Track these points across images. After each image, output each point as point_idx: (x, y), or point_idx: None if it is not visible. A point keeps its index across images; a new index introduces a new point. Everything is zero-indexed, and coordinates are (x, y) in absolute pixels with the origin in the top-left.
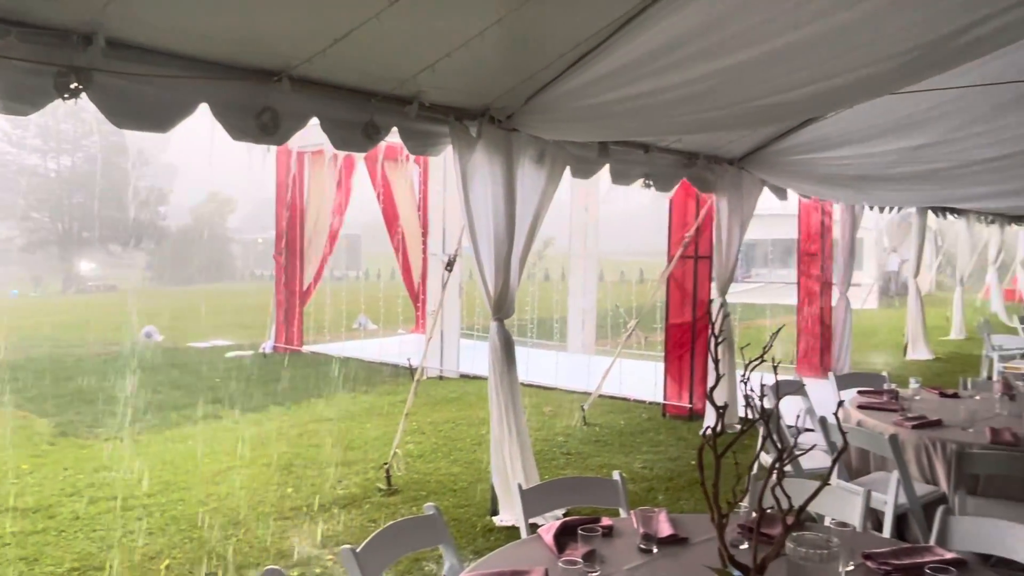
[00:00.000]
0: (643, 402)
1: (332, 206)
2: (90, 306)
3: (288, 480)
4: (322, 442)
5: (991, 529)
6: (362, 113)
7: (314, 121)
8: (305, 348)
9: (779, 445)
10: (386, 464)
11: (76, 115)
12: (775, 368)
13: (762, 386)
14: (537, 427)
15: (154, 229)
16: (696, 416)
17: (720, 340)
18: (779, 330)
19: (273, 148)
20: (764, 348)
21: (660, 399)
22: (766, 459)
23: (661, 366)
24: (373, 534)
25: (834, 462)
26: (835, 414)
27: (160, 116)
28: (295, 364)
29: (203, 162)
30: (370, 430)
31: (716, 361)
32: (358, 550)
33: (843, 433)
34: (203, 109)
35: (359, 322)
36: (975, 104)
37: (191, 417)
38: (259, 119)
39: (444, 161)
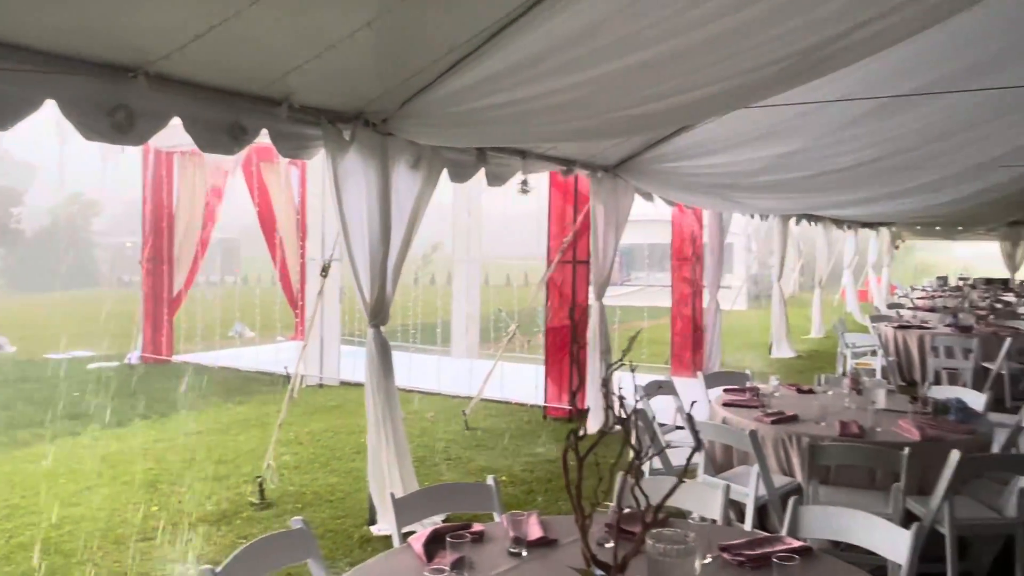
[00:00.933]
0: (525, 405)
1: (204, 209)
2: None
3: (153, 498)
4: (191, 456)
5: (836, 517)
6: (228, 114)
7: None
8: (175, 358)
9: (636, 446)
10: (259, 477)
11: None
12: (633, 370)
13: (620, 388)
14: (419, 433)
15: (6, 232)
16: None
17: (581, 345)
18: (637, 334)
19: (137, 148)
20: (623, 352)
21: (541, 402)
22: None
23: (542, 369)
24: (235, 552)
25: (688, 460)
26: (688, 414)
27: None
28: (164, 375)
29: (65, 161)
30: (244, 442)
31: (579, 366)
32: (218, 570)
33: (695, 432)
34: (50, 106)
35: (235, 330)
36: (834, 116)
37: (45, 435)
38: (112, 118)
39: (323, 164)
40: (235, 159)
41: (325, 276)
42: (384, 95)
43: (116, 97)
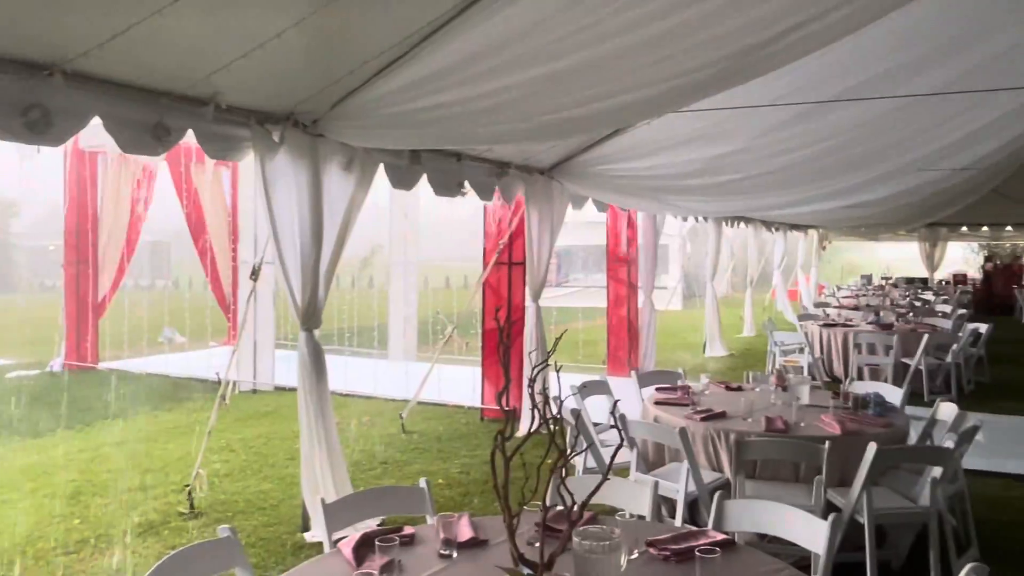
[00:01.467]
0: (462, 407)
1: (130, 211)
2: None
3: (75, 511)
4: (117, 466)
5: (759, 510)
6: (151, 113)
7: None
8: (101, 365)
9: (561, 445)
10: (188, 486)
11: None
12: (558, 370)
13: (546, 388)
14: (355, 437)
15: None
16: (515, 418)
17: (508, 346)
18: (562, 334)
19: (57, 148)
20: (548, 352)
21: (478, 403)
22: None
23: (479, 370)
24: (156, 564)
25: (612, 458)
26: (616, 413)
27: None
28: (89, 383)
29: None
30: (173, 451)
31: (506, 367)
32: None
33: (619, 431)
34: None
35: (165, 335)
36: (764, 119)
37: None
38: (27, 117)
39: (255, 165)
40: (161, 160)
41: (255, 279)
42: (314, 96)
43: (30, 95)
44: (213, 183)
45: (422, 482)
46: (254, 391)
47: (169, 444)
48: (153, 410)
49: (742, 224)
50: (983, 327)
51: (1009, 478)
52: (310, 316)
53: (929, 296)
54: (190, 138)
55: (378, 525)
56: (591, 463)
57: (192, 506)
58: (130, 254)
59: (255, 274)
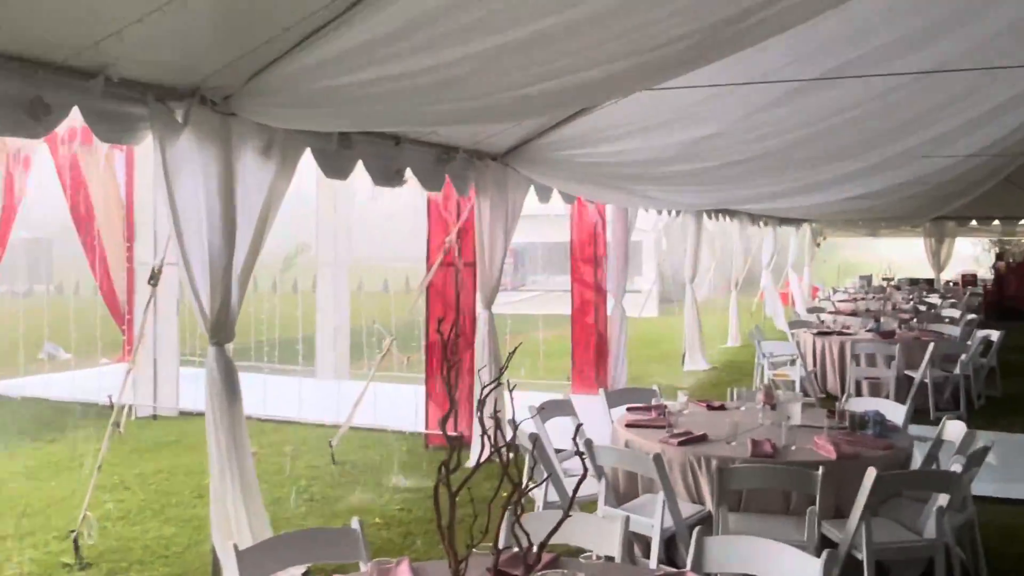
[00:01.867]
0: (403, 432)
1: (2, 204)
2: None
3: None
4: None
5: (743, 547)
6: (27, 88)
7: None
8: None
9: (514, 478)
10: (73, 532)
11: None
12: (511, 389)
13: (496, 411)
14: (274, 471)
15: None
16: (463, 446)
17: (452, 364)
18: (516, 348)
19: None
20: (500, 369)
21: (422, 428)
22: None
23: (422, 390)
24: None
25: (575, 491)
26: (575, 437)
27: None
28: None
29: None
30: (55, 490)
31: (450, 388)
32: None
33: (582, 458)
34: None
35: (46, 350)
36: (749, 98)
37: None
38: None
39: (154, 149)
40: (43, 142)
41: (155, 284)
42: (226, 68)
43: None
44: (104, 170)
45: (354, 522)
46: (154, 417)
47: (51, 481)
48: (32, 441)
49: (725, 218)
50: (995, 334)
51: (1023, 505)
52: (221, 328)
53: (935, 299)
54: (76, 117)
55: (302, 574)
56: (552, 496)
57: (79, 555)
58: (1, 254)
59: (155, 278)
